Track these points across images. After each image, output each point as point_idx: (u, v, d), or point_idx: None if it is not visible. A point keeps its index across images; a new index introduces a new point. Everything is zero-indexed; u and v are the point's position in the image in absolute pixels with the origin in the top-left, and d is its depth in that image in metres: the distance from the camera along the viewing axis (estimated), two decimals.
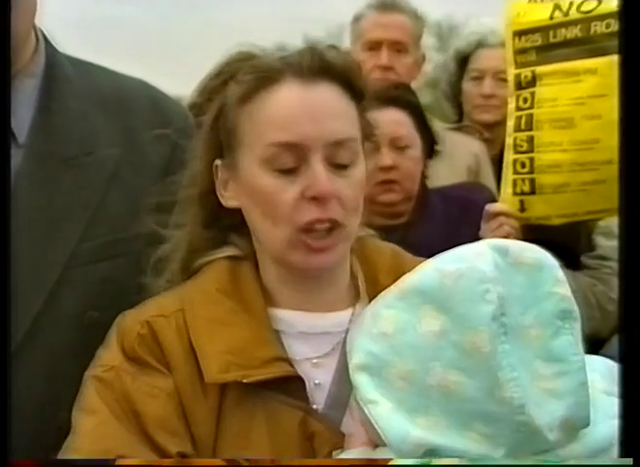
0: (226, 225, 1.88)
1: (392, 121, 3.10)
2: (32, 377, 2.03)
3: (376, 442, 1.65)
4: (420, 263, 1.82)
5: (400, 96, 3.22)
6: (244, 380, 1.70)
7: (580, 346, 1.64)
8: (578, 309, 1.66)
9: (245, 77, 1.79)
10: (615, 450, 1.61)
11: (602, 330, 3.02)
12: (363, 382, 1.63)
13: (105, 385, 1.74)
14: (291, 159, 1.73)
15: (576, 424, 1.61)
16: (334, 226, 1.73)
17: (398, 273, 1.79)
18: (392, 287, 1.69)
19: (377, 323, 1.65)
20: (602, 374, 1.77)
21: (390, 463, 1.59)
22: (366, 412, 1.62)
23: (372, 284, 1.87)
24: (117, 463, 1.66)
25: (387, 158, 3.05)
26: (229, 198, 1.84)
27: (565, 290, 1.65)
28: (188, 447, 1.70)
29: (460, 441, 1.57)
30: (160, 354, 1.75)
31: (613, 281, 3.18)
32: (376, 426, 1.60)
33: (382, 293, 1.72)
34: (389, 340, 1.62)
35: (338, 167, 1.74)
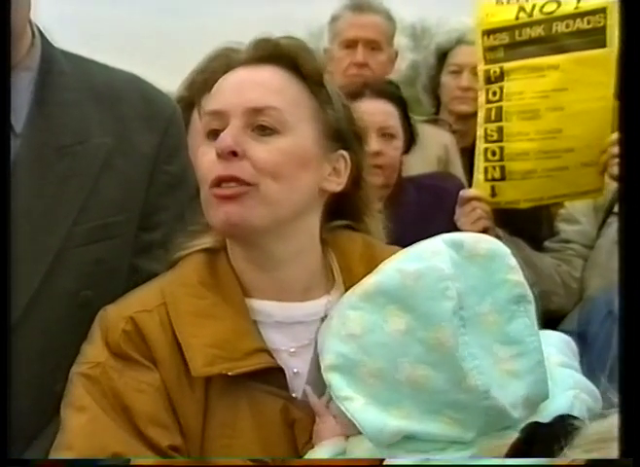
0: None
1: (383, 111, 3.17)
2: (29, 351, 2.01)
3: (348, 433, 1.66)
4: (390, 251, 1.81)
5: (391, 91, 3.29)
6: (229, 373, 1.67)
7: (535, 327, 1.65)
8: (530, 292, 1.66)
9: (214, 70, 1.84)
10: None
11: (566, 306, 3.06)
12: (336, 381, 1.63)
13: (92, 382, 1.69)
14: (218, 125, 1.73)
15: (537, 400, 1.63)
16: (242, 184, 1.69)
17: (370, 262, 1.79)
18: (355, 288, 1.68)
19: (345, 325, 1.64)
20: (558, 348, 1.80)
21: (390, 463, 1.59)
22: (342, 408, 1.61)
23: (346, 273, 1.84)
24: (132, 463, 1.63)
25: (375, 143, 3.09)
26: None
27: (518, 276, 1.65)
28: (178, 439, 1.67)
29: (433, 426, 1.58)
30: (146, 349, 1.70)
31: (575, 262, 3.23)
32: (354, 420, 1.60)
33: (347, 293, 1.70)
34: (358, 340, 1.62)
35: (261, 134, 1.72)
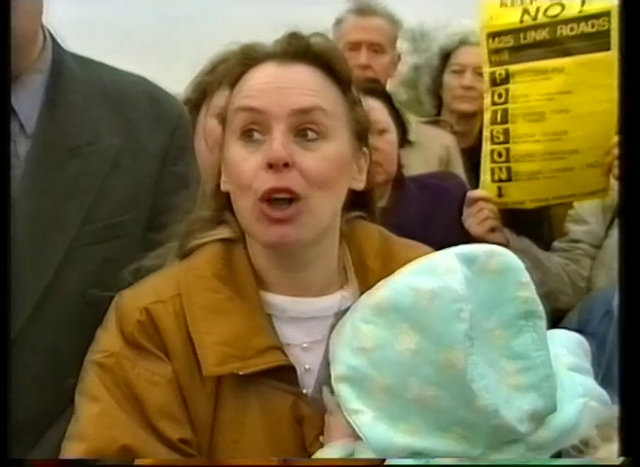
0: (221, 204, 1.80)
1: (371, 108, 3.14)
2: (39, 348, 2.03)
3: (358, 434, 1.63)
4: (407, 245, 1.81)
5: (375, 88, 3.27)
6: (240, 372, 1.65)
7: (543, 342, 1.62)
8: (541, 308, 1.64)
9: (232, 63, 1.77)
10: (580, 428, 1.61)
11: (574, 304, 3.04)
12: (345, 393, 1.61)
13: (106, 371, 1.67)
14: (256, 125, 1.67)
15: (543, 413, 1.60)
16: (293, 196, 1.64)
17: (386, 257, 1.78)
18: (368, 298, 1.66)
19: (357, 337, 1.62)
20: (569, 348, 1.76)
21: (391, 463, 1.58)
22: (350, 421, 1.60)
23: (360, 267, 1.82)
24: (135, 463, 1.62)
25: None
26: (224, 183, 1.77)
27: (529, 292, 1.63)
28: (188, 432, 1.65)
29: (441, 442, 1.56)
30: (160, 341, 1.68)
31: (584, 261, 3.23)
32: (361, 434, 1.58)
33: (360, 301, 1.68)
34: (369, 354, 1.60)
35: (306, 140, 1.67)
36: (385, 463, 1.59)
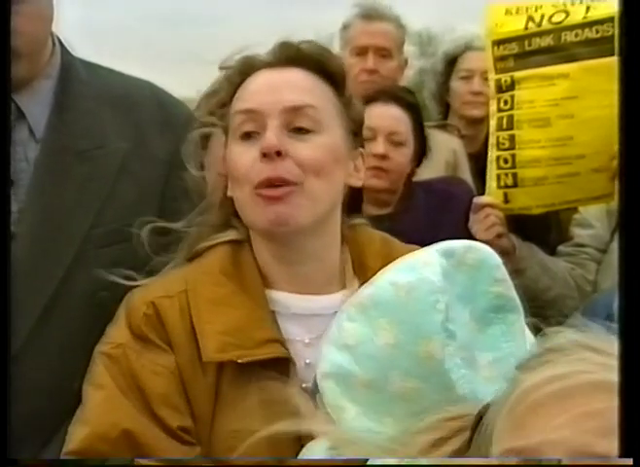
0: (228, 212, 1.88)
1: (392, 116, 3.15)
2: (49, 350, 2.05)
3: None
4: (408, 250, 1.82)
5: (404, 97, 3.25)
6: (239, 360, 1.70)
7: (514, 334, 1.64)
8: (515, 303, 1.66)
9: (231, 75, 1.87)
10: None
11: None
12: (330, 389, 1.63)
13: (113, 361, 1.73)
14: (252, 124, 1.77)
15: None
16: (288, 184, 1.73)
17: (386, 259, 1.79)
18: (353, 298, 1.68)
19: (341, 335, 1.64)
20: None
21: (374, 463, 1.55)
22: (334, 417, 1.61)
23: (361, 269, 1.87)
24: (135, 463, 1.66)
25: (381, 146, 3.09)
26: (230, 189, 1.85)
27: (502, 289, 1.65)
28: (188, 421, 1.71)
29: None
30: (164, 333, 1.74)
31: (589, 265, 3.25)
32: (346, 429, 1.59)
33: (346, 302, 1.70)
34: (351, 351, 1.62)
35: (299, 132, 1.76)
36: (368, 463, 1.57)
